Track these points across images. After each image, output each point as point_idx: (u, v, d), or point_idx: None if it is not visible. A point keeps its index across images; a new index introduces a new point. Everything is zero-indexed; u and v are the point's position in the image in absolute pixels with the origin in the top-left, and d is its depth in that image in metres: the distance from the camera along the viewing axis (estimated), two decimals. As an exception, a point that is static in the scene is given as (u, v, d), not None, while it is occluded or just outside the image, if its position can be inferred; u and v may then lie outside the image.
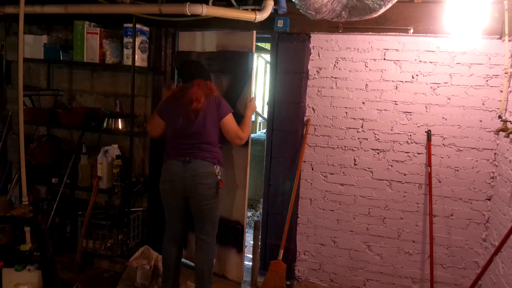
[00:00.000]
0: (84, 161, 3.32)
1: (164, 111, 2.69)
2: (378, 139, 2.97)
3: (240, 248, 3.11)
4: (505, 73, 2.64)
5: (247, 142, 2.98)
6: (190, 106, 2.53)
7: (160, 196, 2.71)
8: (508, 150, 2.56)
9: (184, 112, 2.56)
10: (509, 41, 2.60)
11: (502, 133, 2.60)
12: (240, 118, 2.80)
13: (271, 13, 2.84)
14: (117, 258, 3.21)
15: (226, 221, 3.13)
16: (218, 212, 2.68)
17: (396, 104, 2.92)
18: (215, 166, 2.57)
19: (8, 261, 2.09)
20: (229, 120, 2.61)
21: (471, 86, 2.78)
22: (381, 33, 2.87)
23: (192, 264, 3.25)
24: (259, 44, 4.86)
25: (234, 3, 2.88)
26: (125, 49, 3.13)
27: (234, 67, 3.00)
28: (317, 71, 3.04)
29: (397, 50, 2.88)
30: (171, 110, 2.66)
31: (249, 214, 4.77)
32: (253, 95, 2.99)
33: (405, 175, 2.95)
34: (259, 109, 6.46)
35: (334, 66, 3.01)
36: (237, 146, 2.96)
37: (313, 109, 3.07)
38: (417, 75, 2.87)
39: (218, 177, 2.57)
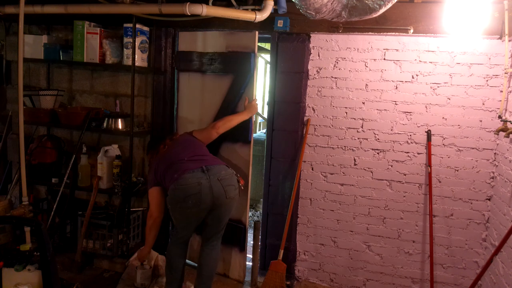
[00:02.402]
0: (84, 161, 3.31)
1: (157, 172, 2.64)
2: (378, 139, 2.97)
3: (242, 247, 3.11)
4: (505, 73, 2.64)
5: (249, 142, 2.98)
6: (177, 142, 2.71)
7: (175, 214, 2.56)
8: (508, 150, 2.56)
9: (174, 151, 2.66)
10: (509, 41, 2.60)
11: (502, 133, 2.60)
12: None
13: (271, 13, 2.84)
14: (117, 258, 3.21)
15: (228, 220, 3.13)
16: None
17: (396, 104, 2.92)
18: (228, 166, 2.64)
19: (8, 261, 2.09)
20: (197, 132, 2.82)
21: (471, 86, 2.78)
22: (381, 33, 2.87)
23: (192, 263, 3.25)
24: (259, 44, 4.85)
25: (234, 3, 2.88)
26: (125, 49, 3.13)
27: (236, 67, 3.00)
28: (317, 71, 3.04)
29: (397, 50, 2.88)
30: (161, 163, 2.65)
31: (249, 214, 4.76)
32: (254, 97, 2.99)
33: (405, 175, 2.95)
34: (259, 109, 6.44)
35: (334, 66, 3.00)
36: (239, 146, 2.98)
37: (313, 109, 3.07)
38: (417, 75, 2.87)
39: (237, 175, 2.63)
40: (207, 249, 2.68)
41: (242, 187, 2.60)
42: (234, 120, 2.84)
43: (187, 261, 3.24)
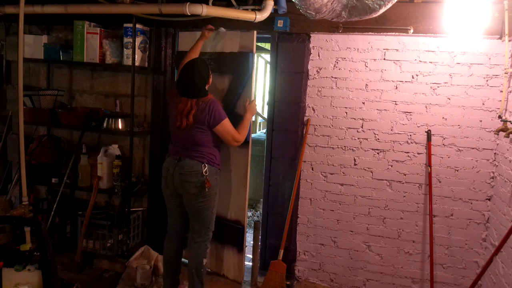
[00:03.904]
0: (84, 161, 3.32)
1: (170, 101, 2.70)
2: (378, 139, 2.97)
3: (240, 247, 3.11)
4: (505, 73, 2.64)
5: (247, 142, 2.98)
6: (181, 118, 2.54)
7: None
8: (508, 150, 2.56)
9: (177, 117, 2.57)
10: (509, 41, 2.60)
11: (502, 133, 2.60)
12: (239, 119, 2.80)
13: (271, 13, 2.84)
14: (117, 258, 3.21)
15: (226, 220, 3.14)
16: (209, 213, 2.67)
17: (396, 104, 2.92)
18: (202, 166, 2.57)
19: (8, 261, 2.09)
20: (223, 126, 2.59)
21: (471, 86, 2.78)
22: (381, 33, 2.87)
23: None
24: (259, 44, 4.86)
25: (234, 3, 2.88)
26: (125, 49, 3.13)
27: (235, 67, 3.00)
28: (317, 71, 3.04)
29: (397, 50, 2.88)
30: (171, 105, 2.67)
31: (249, 214, 4.77)
32: (253, 97, 2.99)
33: (405, 175, 2.95)
34: (259, 109, 6.45)
35: (334, 66, 3.00)
36: (238, 147, 2.97)
37: (313, 109, 3.07)
38: (417, 75, 2.87)
39: (205, 176, 2.57)
40: (191, 243, 2.74)
41: (207, 189, 2.58)
42: (245, 128, 2.78)
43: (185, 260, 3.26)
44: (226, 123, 2.60)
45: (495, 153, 2.78)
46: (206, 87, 2.63)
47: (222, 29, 3.00)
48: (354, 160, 3.03)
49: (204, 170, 2.57)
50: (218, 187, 2.72)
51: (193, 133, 2.57)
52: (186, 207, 2.68)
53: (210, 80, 2.68)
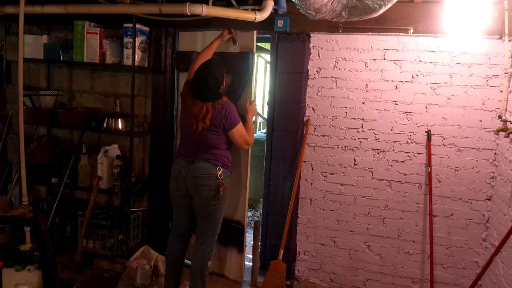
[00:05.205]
0: (84, 161, 3.31)
1: (183, 103, 2.69)
2: (378, 139, 2.97)
3: (240, 248, 3.11)
4: (505, 73, 2.64)
5: None
6: (196, 122, 2.52)
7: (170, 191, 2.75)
8: (508, 150, 2.56)
9: (191, 120, 2.56)
10: (509, 41, 2.60)
11: (502, 133, 2.60)
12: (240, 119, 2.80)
13: (271, 13, 2.84)
14: (117, 258, 3.21)
15: (226, 221, 3.13)
16: (219, 216, 2.67)
17: (396, 104, 2.92)
18: (217, 169, 2.57)
19: (8, 261, 2.09)
20: (238, 130, 2.59)
21: (471, 86, 2.78)
22: (381, 33, 2.87)
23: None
24: (259, 44, 4.85)
25: (234, 3, 2.88)
26: (125, 49, 3.13)
27: (235, 67, 2.99)
28: (317, 71, 3.04)
29: (397, 50, 2.88)
30: (184, 108, 2.66)
31: (249, 214, 4.77)
32: (253, 97, 2.99)
33: (405, 175, 2.95)
34: (259, 109, 6.45)
35: (334, 66, 3.01)
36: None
37: (313, 109, 3.07)
38: (417, 75, 2.87)
39: (220, 179, 2.57)
40: (196, 245, 2.73)
41: (222, 193, 2.58)
42: (251, 129, 2.78)
43: (187, 261, 3.26)
44: (240, 127, 2.61)
45: (495, 153, 2.78)
46: (221, 89, 2.63)
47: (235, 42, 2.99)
48: (354, 160, 3.03)
49: (219, 173, 2.57)
50: (229, 189, 2.72)
51: (208, 136, 2.55)
52: (197, 209, 2.66)
53: (225, 82, 2.67)
